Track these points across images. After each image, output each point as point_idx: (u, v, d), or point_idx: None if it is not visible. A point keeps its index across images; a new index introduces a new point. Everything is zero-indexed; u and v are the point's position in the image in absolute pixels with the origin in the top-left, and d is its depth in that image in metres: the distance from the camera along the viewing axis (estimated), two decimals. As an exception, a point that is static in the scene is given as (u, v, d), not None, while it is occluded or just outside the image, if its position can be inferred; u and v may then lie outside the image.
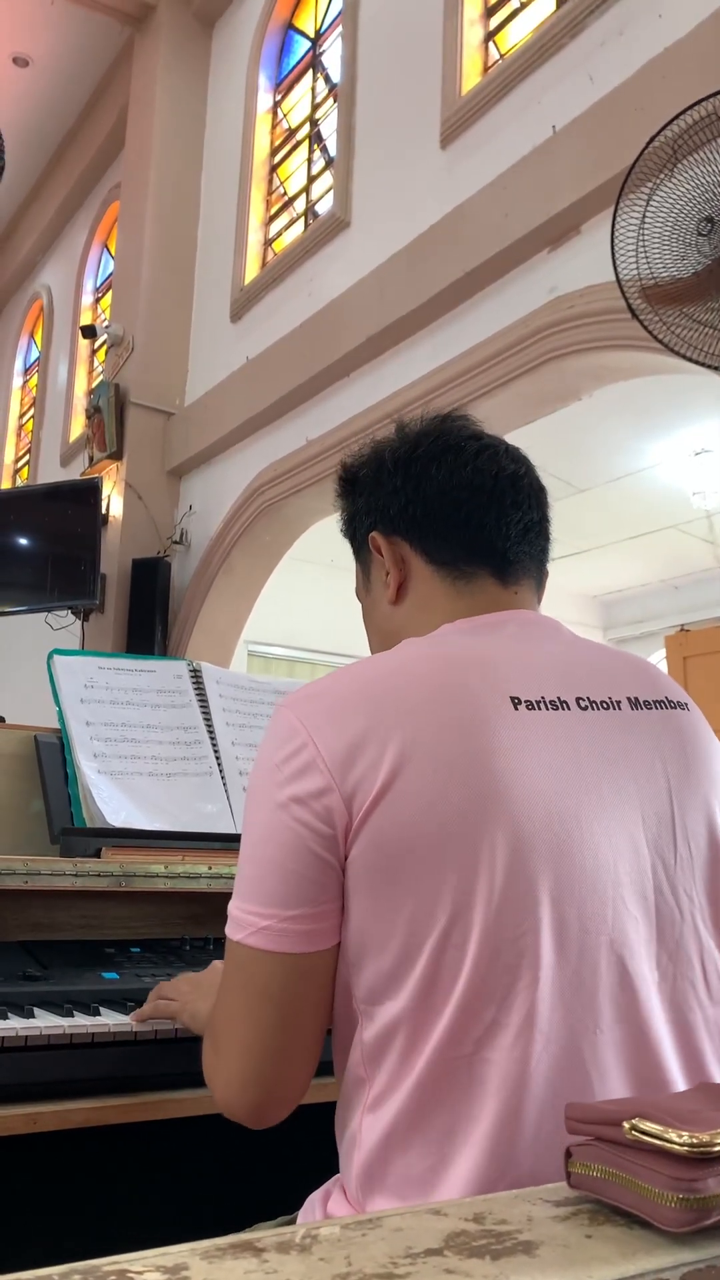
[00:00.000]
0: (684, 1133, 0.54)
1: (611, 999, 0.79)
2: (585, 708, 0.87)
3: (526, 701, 0.84)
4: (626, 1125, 0.56)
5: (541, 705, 0.85)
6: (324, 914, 0.81)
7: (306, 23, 6.28)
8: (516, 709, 0.83)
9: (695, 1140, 0.53)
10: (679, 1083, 0.80)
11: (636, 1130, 0.55)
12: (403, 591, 0.99)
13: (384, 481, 1.01)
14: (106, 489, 6.11)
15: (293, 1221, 0.94)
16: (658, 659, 7.92)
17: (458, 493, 0.97)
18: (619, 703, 0.89)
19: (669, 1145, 0.54)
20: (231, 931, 0.84)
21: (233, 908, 0.85)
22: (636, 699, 0.90)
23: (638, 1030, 0.80)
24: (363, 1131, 0.81)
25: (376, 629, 1.04)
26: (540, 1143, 0.75)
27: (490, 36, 4.67)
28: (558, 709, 0.85)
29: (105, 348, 7.10)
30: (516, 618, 0.94)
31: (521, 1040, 0.76)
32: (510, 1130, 0.75)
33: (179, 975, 1.18)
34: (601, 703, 0.88)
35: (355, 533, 1.05)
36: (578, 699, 0.87)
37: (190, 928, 1.51)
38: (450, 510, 0.97)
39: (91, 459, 6.48)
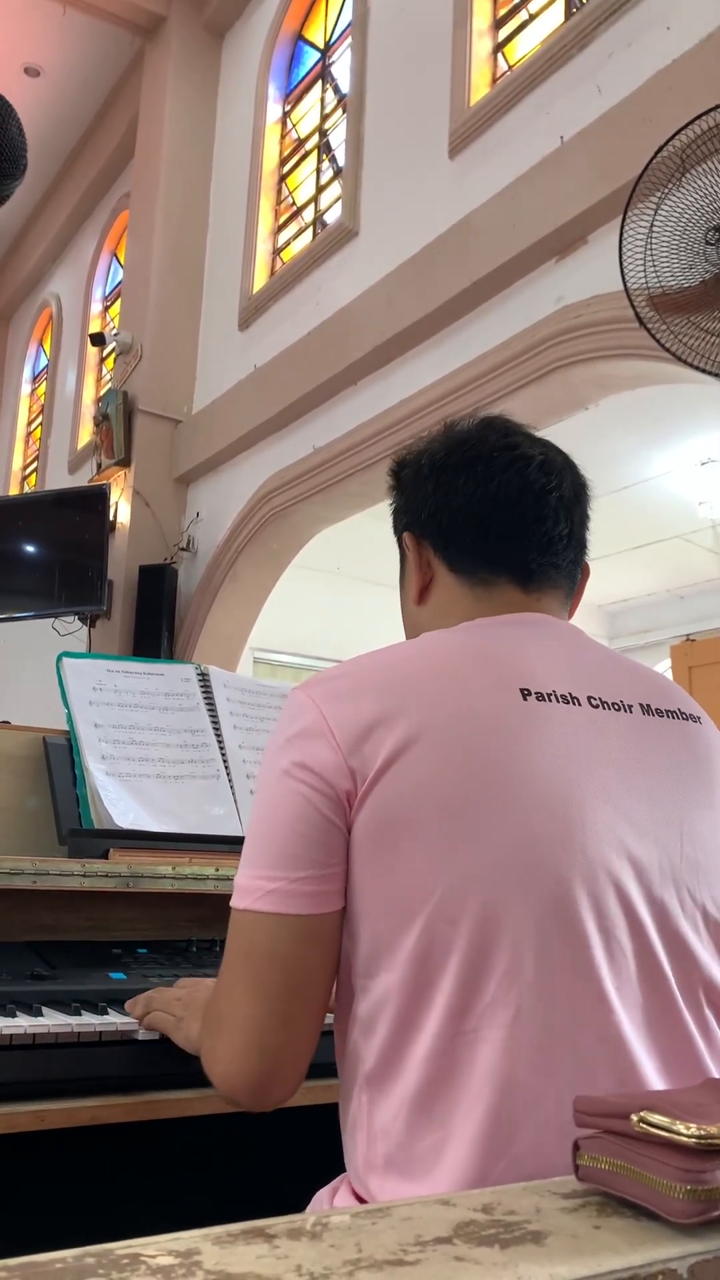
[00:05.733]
0: (692, 1125, 0.54)
1: (609, 988, 0.79)
2: (596, 706, 0.88)
3: (536, 693, 0.86)
4: (635, 1117, 0.56)
5: (552, 698, 0.86)
6: (331, 876, 0.82)
7: (316, 34, 6.32)
8: (526, 699, 0.85)
9: (704, 1132, 0.54)
10: (668, 1076, 0.80)
11: (645, 1122, 0.56)
12: (426, 594, 1.02)
13: (418, 486, 1.03)
14: (114, 496, 6.13)
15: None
16: (663, 669, 7.92)
17: (480, 506, 0.98)
18: (630, 707, 0.90)
19: (677, 1137, 0.54)
20: (238, 900, 0.85)
21: (239, 878, 0.85)
22: (649, 706, 0.92)
23: (632, 1020, 0.80)
24: (363, 1111, 0.82)
25: (406, 620, 1.07)
26: (540, 1120, 0.76)
27: (499, 48, 4.69)
28: (568, 703, 0.87)
29: (113, 355, 7.13)
30: (534, 619, 0.95)
31: (519, 1019, 0.77)
32: (509, 1109, 0.76)
33: (179, 981, 1.17)
34: (613, 704, 0.89)
35: (395, 527, 1.08)
36: (589, 697, 0.88)
37: (197, 929, 1.51)
38: (472, 524, 0.98)
39: (99, 466, 6.50)
